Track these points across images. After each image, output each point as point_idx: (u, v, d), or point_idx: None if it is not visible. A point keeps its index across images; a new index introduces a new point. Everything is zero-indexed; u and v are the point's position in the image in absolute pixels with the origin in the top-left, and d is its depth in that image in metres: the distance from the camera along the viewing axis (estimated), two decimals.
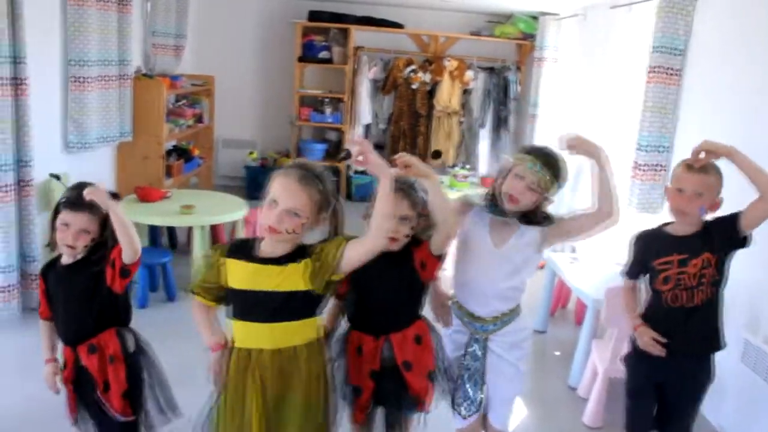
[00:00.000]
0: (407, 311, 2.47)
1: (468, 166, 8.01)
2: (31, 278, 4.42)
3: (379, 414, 2.56)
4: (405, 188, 2.37)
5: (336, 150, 8.07)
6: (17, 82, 4.20)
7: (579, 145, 2.43)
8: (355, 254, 2.10)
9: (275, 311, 2.15)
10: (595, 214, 2.46)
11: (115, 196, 2.40)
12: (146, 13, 6.52)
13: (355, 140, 2.07)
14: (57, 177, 4.83)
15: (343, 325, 2.55)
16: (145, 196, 5.20)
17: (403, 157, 2.27)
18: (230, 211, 5.26)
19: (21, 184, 4.32)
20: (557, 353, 4.49)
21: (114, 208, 2.32)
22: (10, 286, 4.31)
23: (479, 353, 2.61)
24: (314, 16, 7.84)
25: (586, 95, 5.90)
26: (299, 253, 2.15)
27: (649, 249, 2.70)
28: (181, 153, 7.01)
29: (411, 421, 2.59)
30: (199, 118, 7.45)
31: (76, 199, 2.37)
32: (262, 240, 2.20)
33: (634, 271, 2.80)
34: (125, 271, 2.37)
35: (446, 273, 2.63)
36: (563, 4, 6.66)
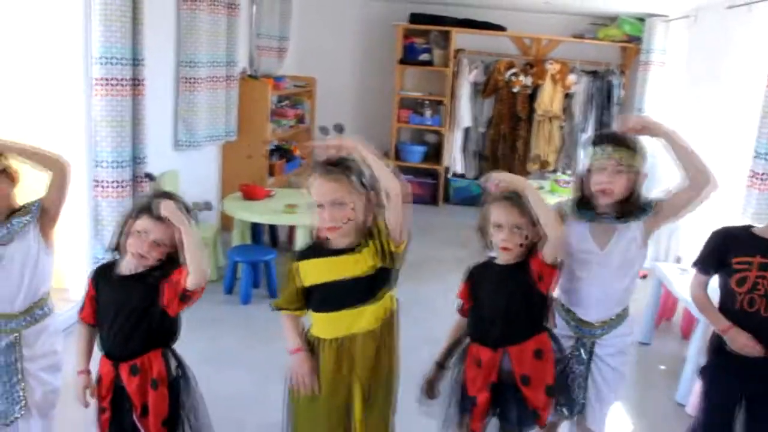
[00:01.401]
0: (526, 324, 2.43)
1: (569, 171, 7.85)
2: None
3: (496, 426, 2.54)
4: (513, 197, 2.36)
5: (435, 152, 8.07)
6: (135, 83, 4.38)
7: (639, 126, 2.38)
8: (390, 218, 2.22)
9: (363, 294, 2.28)
10: (692, 185, 2.35)
11: (188, 211, 2.34)
12: (252, 16, 6.68)
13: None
14: (151, 177, 4.99)
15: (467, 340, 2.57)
16: (250, 194, 5.32)
17: (493, 177, 2.38)
18: None
19: (137, 180, 4.49)
20: (662, 367, 4.33)
21: (188, 229, 2.24)
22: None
23: (584, 357, 2.57)
24: (415, 18, 7.86)
25: (697, 101, 5.69)
26: (365, 236, 2.28)
27: (730, 244, 2.58)
28: (282, 153, 7.15)
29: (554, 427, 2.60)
30: (300, 119, 7.58)
31: (159, 208, 2.28)
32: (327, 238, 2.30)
33: (707, 263, 2.66)
34: (186, 297, 2.26)
35: None
36: (673, 5, 6.44)
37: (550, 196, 5.77)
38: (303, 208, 5.13)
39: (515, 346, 2.40)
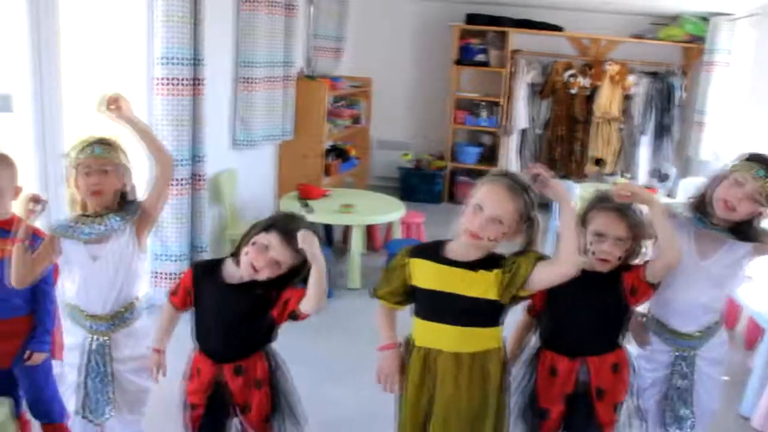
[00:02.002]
0: (609, 336, 2.37)
1: (628, 175, 7.71)
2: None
3: None
4: (623, 209, 2.29)
5: (491, 154, 8.01)
6: (195, 83, 4.45)
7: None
8: (545, 276, 2.08)
9: (459, 314, 2.15)
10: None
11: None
12: (309, 17, 6.72)
13: (536, 167, 2.10)
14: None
15: (532, 343, 2.49)
16: (307, 193, 5.36)
17: (623, 188, 2.25)
18: (388, 211, 5.33)
19: (195, 178, 4.56)
20: (725, 378, 4.20)
21: (321, 264, 2.16)
22: (182, 273, 4.55)
23: (686, 370, 2.50)
24: (472, 19, 7.81)
25: (763, 103, 5.52)
26: (491, 261, 2.14)
27: None
28: (338, 153, 7.18)
29: None
30: (356, 119, 7.61)
31: (291, 231, 2.21)
32: (448, 242, 2.21)
33: None
34: (295, 316, 2.25)
35: None
36: (738, 3, 6.26)
37: None
38: (358, 208, 5.16)
39: (595, 356, 2.33)
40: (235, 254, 2.31)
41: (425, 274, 2.20)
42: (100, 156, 2.40)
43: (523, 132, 8.01)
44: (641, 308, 2.54)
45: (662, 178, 7.58)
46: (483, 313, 2.16)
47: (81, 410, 2.51)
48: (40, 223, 2.51)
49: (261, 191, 6.11)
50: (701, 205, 2.42)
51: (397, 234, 5.53)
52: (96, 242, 2.42)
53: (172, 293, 2.43)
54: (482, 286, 2.11)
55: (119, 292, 2.46)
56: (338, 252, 5.62)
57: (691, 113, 7.44)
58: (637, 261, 2.37)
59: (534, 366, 2.42)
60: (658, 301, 2.49)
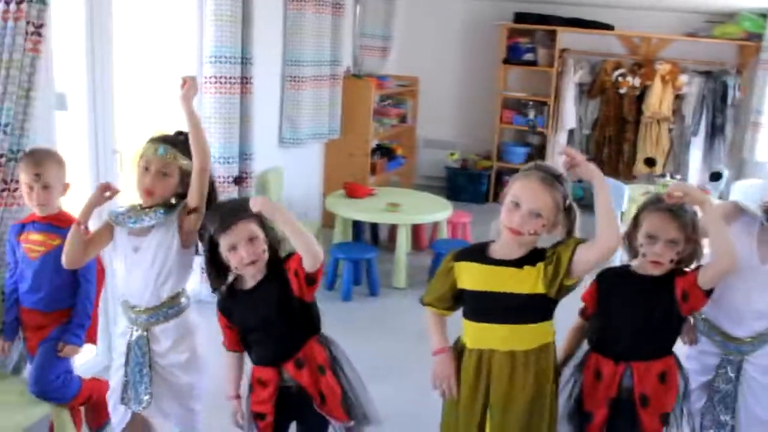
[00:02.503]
0: (657, 342, 2.30)
1: (678, 176, 7.56)
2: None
3: None
4: (675, 210, 2.23)
5: (539, 154, 7.93)
6: (244, 81, 4.50)
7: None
8: (586, 258, 2.06)
9: (510, 313, 2.15)
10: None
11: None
12: (356, 16, 6.75)
13: (565, 149, 2.10)
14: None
15: (584, 346, 2.46)
16: (353, 192, 5.38)
17: (675, 188, 2.20)
18: (435, 211, 5.32)
19: (243, 176, 4.60)
20: None
21: (284, 215, 2.17)
22: None
23: (732, 375, 2.44)
24: (520, 17, 7.73)
25: None
26: (535, 256, 2.14)
27: None
28: (384, 151, 7.19)
29: None
30: (402, 118, 7.61)
31: (227, 217, 2.23)
32: (491, 243, 2.20)
33: None
34: (310, 279, 2.23)
35: None
36: None
37: None
38: (404, 207, 5.15)
39: (641, 362, 2.28)
40: (221, 282, 2.32)
41: (473, 277, 2.21)
42: (162, 158, 2.41)
43: (571, 132, 7.92)
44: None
45: (713, 177, 7.40)
46: (533, 309, 2.16)
47: (122, 397, 2.57)
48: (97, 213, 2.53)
49: (307, 189, 6.15)
50: None
51: (444, 234, 5.51)
52: (139, 234, 2.46)
53: (223, 342, 2.43)
54: (530, 281, 2.11)
55: (156, 285, 2.47)
56: (384, 251, 5.63)
57: (746, 114, 7.27)
58: (693, 265, 2.30)
59: (581, 369, 2.39)
60: (710, 301, 2.40)
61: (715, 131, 7.56)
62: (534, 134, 8.02)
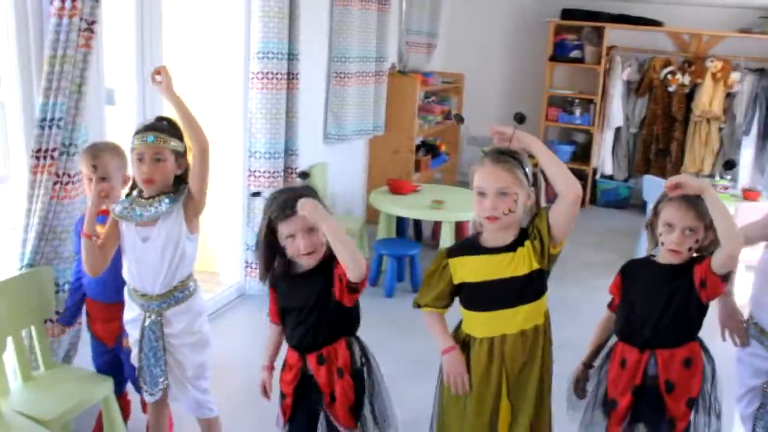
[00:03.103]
0: (679, 329, 2.30)
1: (728, 177, 7.41)
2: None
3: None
4: (691, 198, 2.21)
5: (584, 152, 7.85)
6: (290, 77, 4.53)
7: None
8: (558, 215, 2.13)
9: (519, 295, 2.21)
10: None
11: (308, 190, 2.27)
12: (402, 12, 6.75)
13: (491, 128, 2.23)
14: (306, 174, 5.11)
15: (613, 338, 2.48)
16: (397, 188, 5.38)
17: (672, 180, 2.18)
18: None
19: (287, 171, 4.65)
20: None
21: (329, 224, 2.15)
22: None
23: None
24: (567, 14, 7.65)
25: None
26: (523, 236, 2.22)
27: None
28: (428, 148, 7.17)
29: None
30: (447, 115, 7.58)
31: (288, 205, 2.21)
32: (480, 234, 2.27)
33: None
34: (352, 288, 2.22)
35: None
36: None
37: None
38: (448, 204, 5.15)
39: (665, 350, 2.29)
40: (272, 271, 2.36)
41: (471, 269, 2.26)
42: (152, 145, 2.45)
43: (618, 130, 7.81)
44: (745, 310, 2.43)
45: (727, 165, 7.21)
46: (534, 286, 2.23)
47: (137, 382, 2.65)
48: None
49: (352, 185, 6.18)
50: None
51: None
52: (146, 224, 2.50)
53: (269, 312, 2.47)
54: (527, 261, 2.19)
55: (168, 273, 2.53)
56: (427, 248, 5.62)
57: None
58: None
59: (608, 358, 2.43)
60: (757, 302, 2.40)
61: (767, 130, 7.40)
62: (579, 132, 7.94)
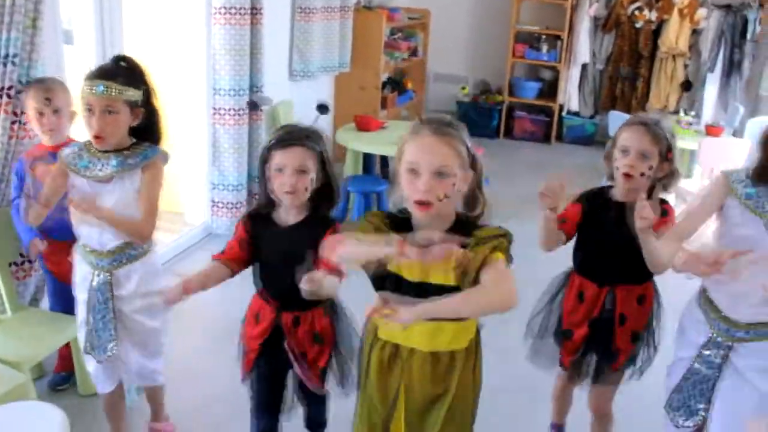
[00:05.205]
0: (638, 268, 2.21)
1: (692, 113, 7.46)
2: (255, 197, 4.72)
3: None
4: (648, 123, 2.23)
5: (550, 89, 7.84)
6: (254, 12, 4.43)
7: None
8: (488, 282, 1.65)
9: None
10: None
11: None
12: None
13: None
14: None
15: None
16: (364, 125, 5.35)
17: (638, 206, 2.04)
18: None
19: (252, 108, 4.58)
20: None
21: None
22: (239, 203, 4.65)
23: (716, 360, 2.17)
24: None
25: None
26: (461, 227, 1.79)
27: None
28: (395, 85, 7.11)
29: (621, 375, 2.48)
30: (413, 52, 7.50)
31: (290, 137, 2.09)
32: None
33: None
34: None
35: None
36: None
37: None
38: None
39: (623, 286, 2.34)
40: (269, 203, 2.16)
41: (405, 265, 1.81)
42: (103, 95, 2.19)
43: (584, 67, 7.80)
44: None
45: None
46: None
47: (86, 346, 2.46)
48: None
49: (318, 122, 6.11)
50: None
51: None
52: (96, 180, 2.30)
53: (221, 253, 2.21)
54: (445, 270, 1.73)
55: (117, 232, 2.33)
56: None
57: (765, 49, 7.12)
58: (672, 192, 2.33)
59: (562, 289, 2.46)
60: (715, 278, 2.09)
61: (732, 67, 7.44)
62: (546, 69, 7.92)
